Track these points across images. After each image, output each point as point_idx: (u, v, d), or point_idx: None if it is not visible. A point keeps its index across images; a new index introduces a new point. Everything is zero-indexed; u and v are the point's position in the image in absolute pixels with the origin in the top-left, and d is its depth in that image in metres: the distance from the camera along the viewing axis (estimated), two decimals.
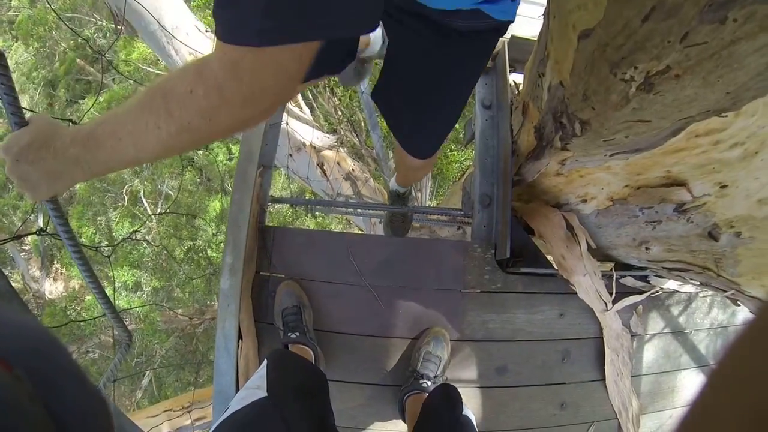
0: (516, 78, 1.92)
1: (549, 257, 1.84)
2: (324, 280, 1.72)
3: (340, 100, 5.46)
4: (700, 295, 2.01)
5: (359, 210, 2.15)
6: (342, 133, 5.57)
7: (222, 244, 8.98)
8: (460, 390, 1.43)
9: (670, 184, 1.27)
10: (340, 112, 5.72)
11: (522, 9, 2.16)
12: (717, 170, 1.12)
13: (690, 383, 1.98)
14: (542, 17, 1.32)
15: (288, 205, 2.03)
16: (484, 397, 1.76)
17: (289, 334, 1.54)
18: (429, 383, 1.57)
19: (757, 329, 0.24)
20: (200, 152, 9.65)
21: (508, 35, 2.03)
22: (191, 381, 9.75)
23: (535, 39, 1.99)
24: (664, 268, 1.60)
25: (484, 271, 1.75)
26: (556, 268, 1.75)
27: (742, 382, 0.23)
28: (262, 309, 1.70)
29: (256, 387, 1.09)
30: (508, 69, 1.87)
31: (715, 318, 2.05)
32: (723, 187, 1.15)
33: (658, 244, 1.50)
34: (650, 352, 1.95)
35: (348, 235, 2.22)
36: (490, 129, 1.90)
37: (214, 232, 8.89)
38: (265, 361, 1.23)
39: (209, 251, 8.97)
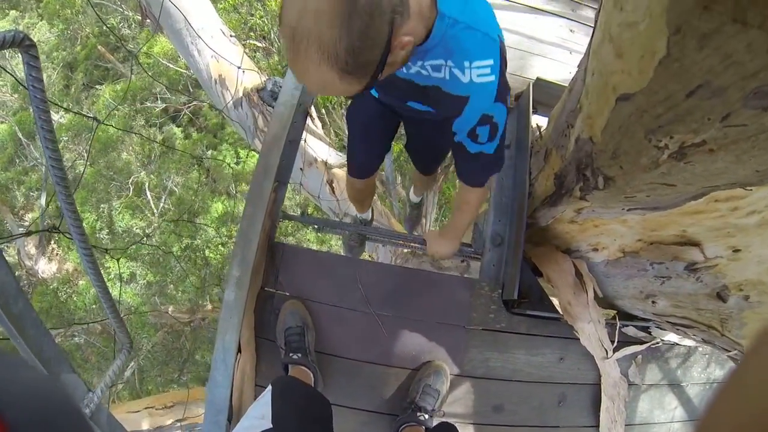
0: (538, 120, 1.93)
1: (554, 300, 1.84)
2: (329, 303, 1.72)
3: None
4: (699, 350, 2.00)
5: (371, 236, 2.14)
6: None
7: (221, 246, 8.98)
8: (455, 425, 1.43)
9: (684, 243, 1.27)
10: None
11: (548, 50, 2.21)
12: (732, 234, 1.12)
13: None
14: (578, 69, 1.33)
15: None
16: None
17: (290, 354, 1.53)
18: (426, 416, 1.56)
19: (755, 357, 0.27)
20: (210, 152, 9.70)
21: (533, 77, 2.06)
22: (174, 378, 9.67)
23: (559, 83, 2.01)
24: (668, 322, 1.60)
25: (489, 310, 1.75)
26: (560, 312, 1.75)
27: (740, 400, 0.26)
28: (263, 324, 1.70)
29: (260, 417, 1.09)
30: (531, 110, 1.88)
31: (711, 373, 2.04)
32: (736, 251, 1.15)
33: (665, 299, 1.50)
34: (645, 403, 1.93)
35: (358, 261, 2.22)
36: (507, 169, 1.91)
37: (213, 233, 8.89)
38: (269, 387, 1.22)
39: (207, 251, 8.96)
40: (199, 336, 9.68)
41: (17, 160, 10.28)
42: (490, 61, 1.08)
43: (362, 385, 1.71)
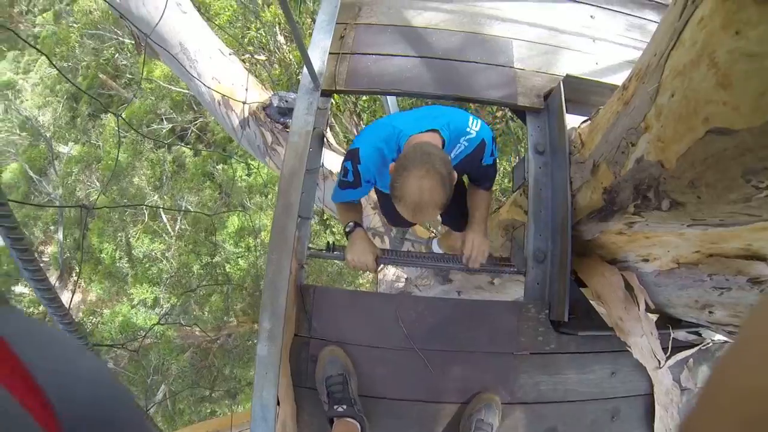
0: (571, 120, 1.80)
1: (597, 306, 1.75)
2: (369, 345, 1.63)
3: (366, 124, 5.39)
4: None
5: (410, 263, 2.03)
6: None
7: (240, 259, 8.97)
8: None
9: (748, 257, 1.16)
10: None
11: (570, 41, 2.07)
12: None
13: None
14: (633, 78, 1.21)
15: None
16: None
17: (335, 407, 1.44)
18: None
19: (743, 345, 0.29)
20: (220, 167, 9.69)
21: (560, 72, 1.94)
22: (206, 396, 9.72)
23: (589, 78, 1.89)
24: (726, 331, 1.50)
25: (537, 332, 1.65)
26: (610, 325, 1.65)
27: (735, 392, 0.27)
28: (300, 373, 1.61)
29: None
30: (564, 110, 1.75)
31: None
32: None
33: (724, 309, 1.39)
34: None
35: (396, 297, 2.12)
36: (543, 177, 1.80)
37: (232, 248, 8.88)
38: None
39: (227, 267, 8.96)
40: (227, 352, 9.72)
41: (32, 197, 10.37)
42: (470, 117, 1.69)
43: (411, 425, 1.62)
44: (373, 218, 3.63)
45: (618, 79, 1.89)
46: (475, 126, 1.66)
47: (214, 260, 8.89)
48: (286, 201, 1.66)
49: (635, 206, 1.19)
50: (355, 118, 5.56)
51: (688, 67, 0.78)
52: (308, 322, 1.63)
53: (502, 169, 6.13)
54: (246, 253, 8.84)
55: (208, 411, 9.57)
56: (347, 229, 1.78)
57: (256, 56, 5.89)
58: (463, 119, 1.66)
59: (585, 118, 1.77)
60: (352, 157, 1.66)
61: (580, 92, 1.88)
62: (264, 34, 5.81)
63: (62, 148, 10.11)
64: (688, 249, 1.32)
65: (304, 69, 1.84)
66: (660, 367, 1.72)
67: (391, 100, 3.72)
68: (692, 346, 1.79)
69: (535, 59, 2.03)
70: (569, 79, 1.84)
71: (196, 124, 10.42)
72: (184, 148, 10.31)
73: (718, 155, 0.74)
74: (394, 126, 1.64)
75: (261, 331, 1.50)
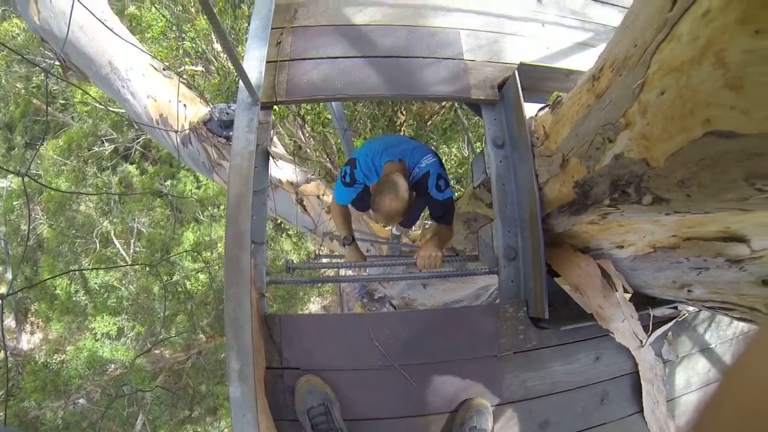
0: (530, 109, 1.73)
1: (573, 293, 1.72)
2: (346, 368, 1.54)
3: (312, 128, 5.23)
4: None
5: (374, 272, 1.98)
6: (315, 158, 5.39)
7: (200, 274, 8.70)
8: None
9: (728, 239, 1.13)
10: (312, 140, 5.50)
11: (520, 27, 2.01)
12: None
13: None
14: (603, 65, 1.14)
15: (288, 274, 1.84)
16: None
17: None
18: None
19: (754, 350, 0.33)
20: (168, 183, 9.38)
21: (512, 60, 1.88)
22: (185, 418, 9.44)
23: (544, 65, 1.83)
24: (705, 306, 1.49)
25: (518, 331, 1.61)
26: (589, 313, 1.63)
27: (737, 387, 0.32)
28: (279, 407, 1.51)
29: None
30: (522, 101, 1.69)
31: (736, 327, 2.02)
32: None
33: (703, 288, 1.38)
34: (681, 375, 1.89)
35: (366, 316, 2.03)
36: (506, 171, 1.74)
37: (190, 265, 8.62)
38: None
39: (188, 284, 8.68)
40: (200, 370, 9.47)
41: None
42: (429, 154, 2.28)
43: None
44: (325, 217, 3.73)
45: (570, 63, 1.86)
46: (427, 160, 2.25)
47: (173, 279, 8.59)
48: (236, 230, 1.53)
49: (612, 200, 1.14)
50: (300, 120, 5.41)
51: (687, 64, 0.71)
52: (278, 352, 1.53)
53: (453, 156, 6.17)
54: (205, 267, 8.58)
55: None
56: (346, 242, 2.47)
57: (193, 67, 5.63)
58: (421, 154, 2.28)
59: (541, 105, 1.72)
60: (351, 164, 2.33)
61: (533, 79, 1.82)
62: (200, 44, 5.56)
63: (1, 183, 9.51)
64: (664, 234, 1.29)
65: (241, 83, 1.71)
66: (642, 346, 1.72)
67: (336, 103, 3.60)
68: (670, 319, 1.81)
69: (486, 49, 1.96)
70: (523, 67, 1.78)
71: (139, 141, 10.02)
72: (129, 168, 9.94)
73: (717, 157, 0.68)
74: (376, 150, 2.29)
75: (230, 372, 1.38)
